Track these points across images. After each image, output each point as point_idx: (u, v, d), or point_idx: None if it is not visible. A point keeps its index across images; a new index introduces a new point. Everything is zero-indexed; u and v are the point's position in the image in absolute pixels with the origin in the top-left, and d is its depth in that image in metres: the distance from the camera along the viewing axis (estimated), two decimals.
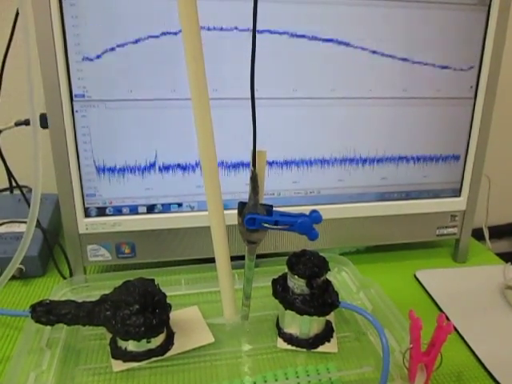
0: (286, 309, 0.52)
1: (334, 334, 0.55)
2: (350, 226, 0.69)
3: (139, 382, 0.49)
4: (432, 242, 0.79)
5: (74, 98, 0.56)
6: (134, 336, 0.48)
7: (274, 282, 0.54)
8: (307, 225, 0.46)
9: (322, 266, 0.51)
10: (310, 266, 0.50)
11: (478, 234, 0.84)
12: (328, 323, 0.55)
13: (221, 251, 0.51)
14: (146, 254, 0.65)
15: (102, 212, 0.62)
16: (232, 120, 0.60)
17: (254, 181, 0.45)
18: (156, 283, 0.51)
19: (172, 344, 0.52)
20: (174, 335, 0.53)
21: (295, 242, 0.68)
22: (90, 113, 0.57)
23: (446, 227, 0.73)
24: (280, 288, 0.52)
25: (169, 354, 0.51)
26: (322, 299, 0.49)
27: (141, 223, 0.63)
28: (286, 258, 0.53)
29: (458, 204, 0.72)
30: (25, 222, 0.53)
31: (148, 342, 0.50)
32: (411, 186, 0.70)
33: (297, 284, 0.51)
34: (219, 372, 0.50)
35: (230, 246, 0.64)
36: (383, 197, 0.69)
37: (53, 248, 0.69)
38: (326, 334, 0.54)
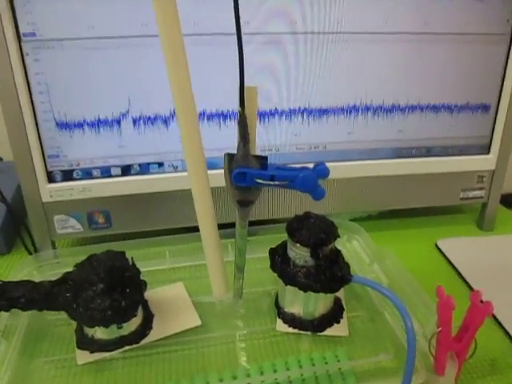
0: (286, 284, 0.42)
1: (344, 314, 0.46)
2: (360, 187, 0.60)
3: (110, 376, 0.41)
4: (455, 207, 0.70)
5: (22, 38, 0.46)
6: (100, 322, 0.39)
7: (272, 251, 0.44)
8: (311, 180, 0.37)
9: (330, 231, 0.41)
10: (316, 231, 0.41)
11: (506, 201, 0.74)
12: (337, 301, 0.46)
13: (205, 218, 0.42)
14: (123, 223, 0.56)
15: (68, 176, 0.52)
16: (220, 60, 0.50)
17: (243, 125, 0.36)
18: (128, 257, 0.42)
19: (150, 329, 0.44)
20: (152, 318, 0.45)
21: (297, 206, 0.59)
22: (44, 56, 0.47)
23: (472, 190, 0.64)
24: (279, 259, 0.43)
25: (146, 340, 0.43)
26: (330, 272, 0.40)
27: (115, 188, 0.53)
28: None
29: (486, 163, 0.62)
30: None
31: (119, 328, 0.41)
32: (432, 140, 0.60)
33: (299, 254, 0.41)
34: (207, 361, 0.42)
35: (221, 211, 0.55)
36: (400, 153, 0.59)
37: (20, 223, 0.60)
38: (334, 314, 0.45)
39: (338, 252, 0.43)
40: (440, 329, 0.38)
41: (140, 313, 0.43)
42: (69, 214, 0.54)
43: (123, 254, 0.42)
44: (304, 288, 0.41)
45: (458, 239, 0.63)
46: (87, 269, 0.40)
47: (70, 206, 0.53)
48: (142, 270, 0.50)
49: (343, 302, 0.47)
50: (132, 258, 0.43)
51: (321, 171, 0.37)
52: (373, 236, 0.55)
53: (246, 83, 0.34)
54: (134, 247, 0.53)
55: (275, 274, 0.44)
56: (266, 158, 0.37)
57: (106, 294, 0.39)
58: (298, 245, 0.41)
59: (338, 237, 0.42)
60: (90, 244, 0.58)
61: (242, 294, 0.46)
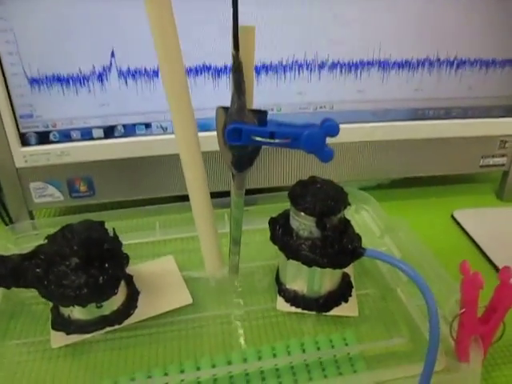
0: (288, 258, 0.37)
1: (353, 292, 0.41)
2: (371, 152, 0.54)
3: (89, 361, 0.36)
4: (474, 176, 0.64)
5: None
6: (74, 301, 0.34)
7: (273, 221, 0.39)
8: (318, 138, 0.31)
9: (339, 198, 0.36)
10: (322, 198, 0.35)
11: None
12: (345, 277, 0.41)
13: (195, 186, 0.37)
14: (107, 191, 0.50)
15: (44, 138, 0.47)
16: (210, 7, 0.44)
17: (238, 71, 0.30)
18: (108, 227, 0.37)
19: (135, 308, 0.39)
20: (138, 295, 0.40)
21: (300, 173, 0.53)
22: None
23: (493, 156, 0.58)
24: (280, 230, 0.38)
25: (130, 321, 0.38)
26: (339, 245, 0.35)
27: (97, 151, 0.48)
28: None
29: (511, 126, 0.56)
30: None
31: (98, 307, 0.36)
32: (452, 100, 0.54)
33: (303, 224, 0.36)
34: (198, 345, 0.37)
35: (216, 178, 0.50)
36: (415, 114, 0.53)
37: None
38: (342, 292, 0.40)
39: (347, 222, 0.38)
40: (464, 310, 0.33)
41: (123, 290, 0.39)
42: (46, 181, 0.49)
43: (102, 223, 0.37)
44: (309, 263, 0.36)
45: (476, 210, 0.57)
46: (60, 241, 0.35)
47: (48, 173, 0.48)
48: (129, 242, 0.46)
49: (352, 279, 0.42)
50: (114, 229, 0.38)
51: (329, 128, 0.31)
52: (384, 206, 0.50)
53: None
54: (120, 217, 0.48)
55: (276, 247, 0.39)
56: (265, 112, 0.31)
57: (81, 270, 0.34)
58: (302, 213, 0.36)
59: (349, 205, 0.37)
60: (73, 214, 0.53)
61: (238, 270, 0.41)
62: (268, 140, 0.31)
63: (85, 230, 0.35)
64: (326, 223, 0.35)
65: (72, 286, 0.33)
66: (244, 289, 0.42)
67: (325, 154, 0.32)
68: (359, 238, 0.37)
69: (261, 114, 0.31)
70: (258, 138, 0.30)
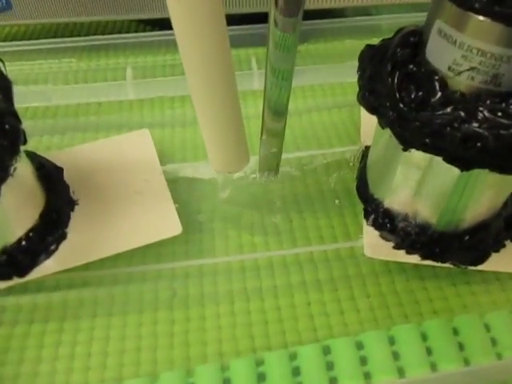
0: (407, 148, 0.15)
1: None
2: None
3: None
4: None
5: None
6: None
7: (371, 55, 0.16)
8: None
9: None
10: None
11: None
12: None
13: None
14: (35, 3, 0.27)
15: None
16: None
17: None
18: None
19: (59, 240, 0.18)
20: (71, 211, 0.19)
21: None
22: None
23: None
24: (396, 76, 0.14)
25: (47, 269, 0.18)
26: None
27: None
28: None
29: None
30: None
31: None
32: None
33: (478, 54, 0.12)
34: (192, 330, 0.17)
35: None
36: None
37: None
38: (507, 223, 0.18)
39: None
40: None
41: (31, 199, 0.18)
42: None
43: None
44: (484, 161, 0.13)
45: None
46: None
47: None
48: (66, 102, 0.25)
49: None
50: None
51: None
52: None
53: None
54: (57, 55, 0.27)
55: (370, 119, 0.16)
56: None
57: None
58: (482, 19, 0.12)
59: None
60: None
61: (278, 166, 0.20)
62: None
63: None
64: None
65: None
66: (291, 206, 0.21)
67: None
68: None
69: None
70: None
